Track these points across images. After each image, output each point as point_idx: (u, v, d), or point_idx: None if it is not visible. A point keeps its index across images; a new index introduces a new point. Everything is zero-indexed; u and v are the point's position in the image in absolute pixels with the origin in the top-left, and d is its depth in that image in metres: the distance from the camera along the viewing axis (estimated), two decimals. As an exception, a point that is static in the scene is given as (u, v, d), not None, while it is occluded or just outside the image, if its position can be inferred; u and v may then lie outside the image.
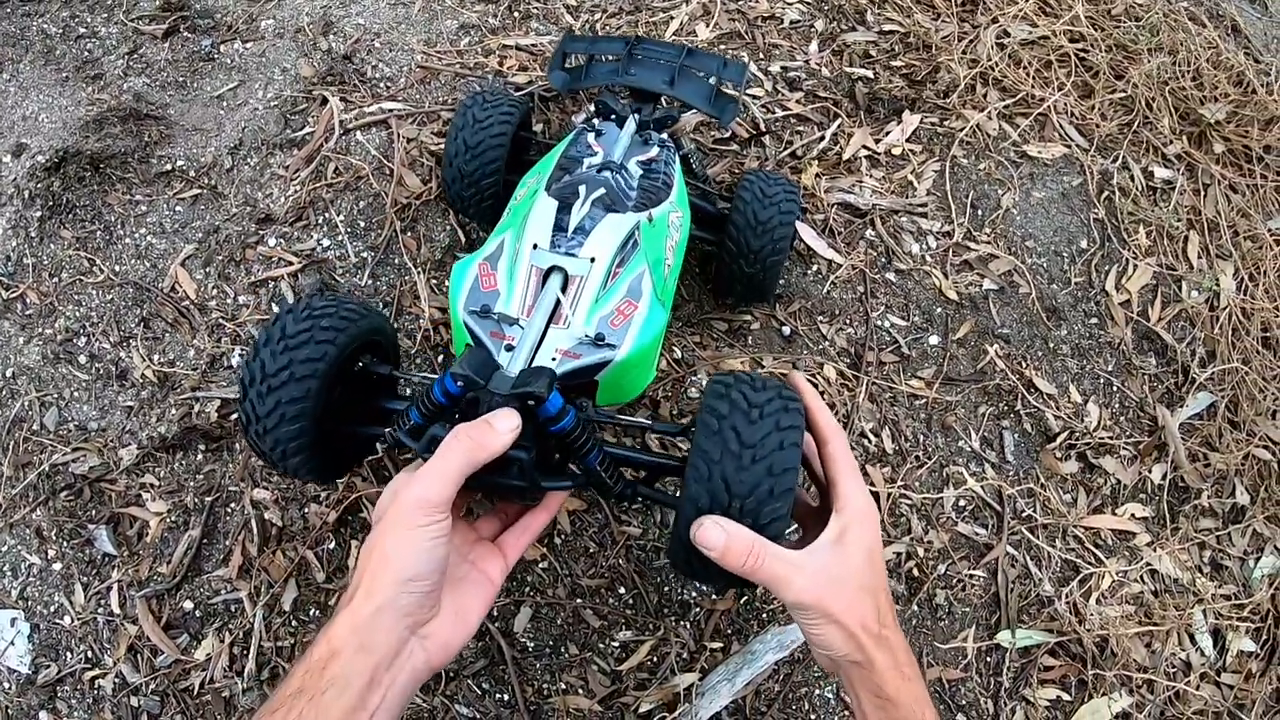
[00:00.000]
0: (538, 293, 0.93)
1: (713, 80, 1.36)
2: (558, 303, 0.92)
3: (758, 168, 1.52)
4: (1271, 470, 1.39)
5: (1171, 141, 1.67)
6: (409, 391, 1.14)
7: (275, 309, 1.33)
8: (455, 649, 0.73)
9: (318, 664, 0.64)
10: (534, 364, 0.86)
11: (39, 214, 1.41)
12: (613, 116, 1.29)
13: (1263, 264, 1.57)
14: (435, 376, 0.86)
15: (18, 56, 1.60)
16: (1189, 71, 1.74)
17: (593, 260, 0.94)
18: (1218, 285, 1.54)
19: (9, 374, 1.32)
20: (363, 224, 1.39)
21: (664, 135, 1.28)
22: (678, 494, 0.85)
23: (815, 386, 1.32)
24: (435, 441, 0.74)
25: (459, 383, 0.78)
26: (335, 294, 0.96)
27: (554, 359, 0.89)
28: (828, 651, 0.72)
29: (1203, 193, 1.64)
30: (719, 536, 0.71)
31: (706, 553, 0.71)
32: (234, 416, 1.27)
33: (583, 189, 1.04)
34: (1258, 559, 1.35)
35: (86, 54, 1.58)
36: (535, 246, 0.95)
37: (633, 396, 1.05)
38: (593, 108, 1.35)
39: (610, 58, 1.40)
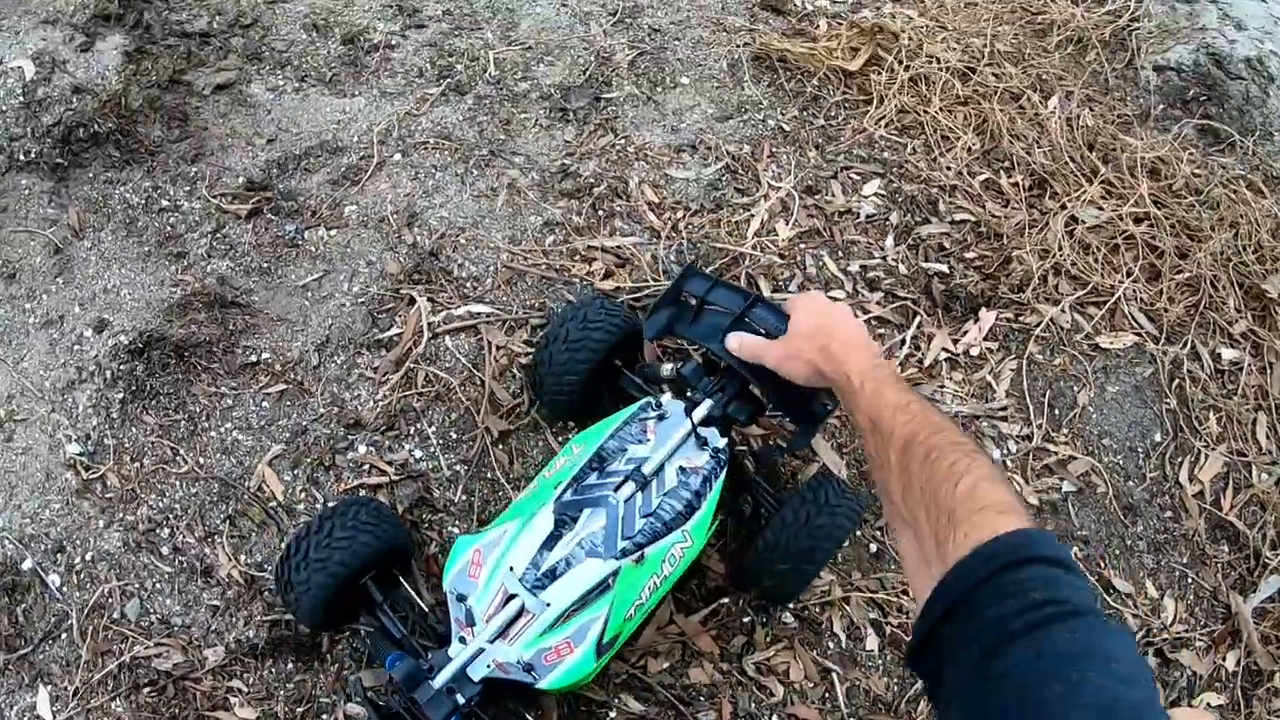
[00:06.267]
0: (500, 608, 1.11)
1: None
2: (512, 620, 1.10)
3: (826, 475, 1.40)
4: (1344, 651, 1.45)
5: (1236, 320, 1.76)
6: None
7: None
8: None
9: None
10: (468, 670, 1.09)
11: (120, 395, 1.48)
12: (687, 395, 1.30)
13: (1330, 439, 1.63)
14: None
15: (99, 224, 1.68)
16: (1250, 245, 1.83)
17: (549, 605, 1.09)
18: (1287, 467, 1.62)
19: (89, 557, 1.38)
20: (454, 435, 1.47)
21: (722, 442, 1.26)
22: None
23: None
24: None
25: (393, 683, 1.07)
26: (373, 505, 1.25)
27: (489, 665, 1.08)
28: (802, 379, 1.12)
29: (1269, 370, 1.72)
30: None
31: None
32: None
33: (583, 517, 1.15)
34: (1330, 741, 1.41)
35: (169, 228, 1.66)
36: (511, 569, 1.12)
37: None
38: (669, 368, 1.35)
39: (722, 308, 1.28)
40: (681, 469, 1.22)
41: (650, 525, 1.16)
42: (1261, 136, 2.07)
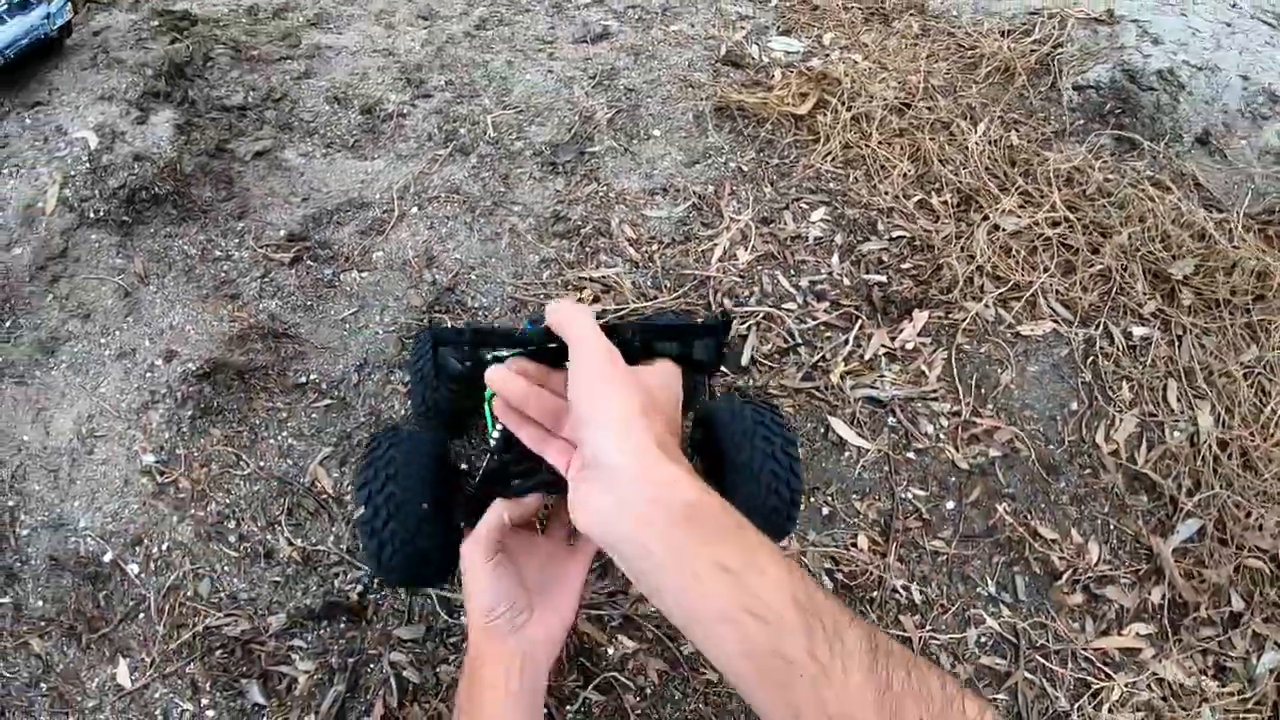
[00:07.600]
0: None
1: None
2: None
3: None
4: (1263, 576, 1.67)
5: (1146, 302, 2.01)
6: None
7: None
8: (559, 636, 1.03)
9: (471, 673, 1.00)
10: None
11: (190, 413, 1.77)
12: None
13: (1237, 396, 1.87)
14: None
15: (162, 272, 1.98)
16: (1157, 236, 2.10)
17: None
18: (1196, 425, 1.84)
19: (165, 548, 1.64)
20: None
21: None
22: None
23: (847, 555, 1.67)
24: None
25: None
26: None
27: None
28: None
29: (1177, 344, 1.96)
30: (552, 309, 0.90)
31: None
32: (371, 596, 1.61)
33: None
34: (1260, 656, 1.61)
35: (224, 274, 1.98)
36: None
37: None
38: None
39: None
40: None
41: None
42: (1172, 139, 2.36)
